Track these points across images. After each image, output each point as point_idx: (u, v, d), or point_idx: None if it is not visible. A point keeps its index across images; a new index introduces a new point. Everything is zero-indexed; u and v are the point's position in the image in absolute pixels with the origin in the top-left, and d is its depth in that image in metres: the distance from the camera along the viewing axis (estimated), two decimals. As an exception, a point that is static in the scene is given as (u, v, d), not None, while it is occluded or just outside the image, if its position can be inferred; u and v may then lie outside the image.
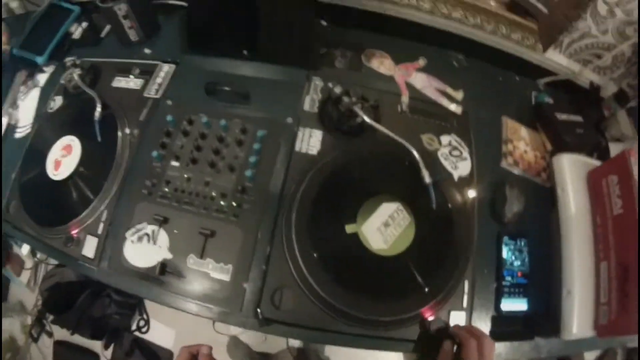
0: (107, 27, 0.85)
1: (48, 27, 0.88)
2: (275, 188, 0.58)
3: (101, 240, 0.61)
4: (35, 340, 1.28)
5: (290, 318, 0.53)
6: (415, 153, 0.56)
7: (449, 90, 0.69)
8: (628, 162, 0.55)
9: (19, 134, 0.82)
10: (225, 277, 0.55)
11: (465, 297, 0.56)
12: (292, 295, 0.53)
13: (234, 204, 0.58)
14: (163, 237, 0.58)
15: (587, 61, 0.74)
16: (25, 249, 0.92)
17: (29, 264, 1.24)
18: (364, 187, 0.57)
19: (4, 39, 0.90)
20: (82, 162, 0.68)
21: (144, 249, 0.59)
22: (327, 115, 0.62)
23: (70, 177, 0.68)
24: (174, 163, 0.62)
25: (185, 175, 0.61)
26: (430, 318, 0.49)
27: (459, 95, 0.69)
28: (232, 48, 0.68)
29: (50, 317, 1.22)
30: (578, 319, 0.54)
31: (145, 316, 1.26)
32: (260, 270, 0.55)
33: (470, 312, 0.56)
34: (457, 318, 0.55)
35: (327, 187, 0.56)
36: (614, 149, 0.71)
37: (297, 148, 0.61)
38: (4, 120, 0.85)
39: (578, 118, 0.71)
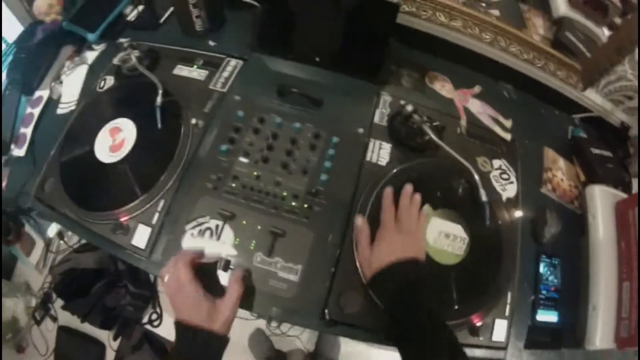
0: (167, 13, 0.84)
1: (102, 5, 0.86)
2: (346, 194, 0.60)
3: (155, 231, 0.60)
4: (38, 323, 1.25)
5: (355, 320, 0.54)
6: (475, 174, 0.61)
7: (500, 118, 0.74)
8: (652, 196, 0.61)
9: (62, 109, 0.79)
10: (294, 278, 0.56)
11: (508, 307, 0.60)
12: (358, 299, 0.55)
13: (306, 205, 0.59)
14: (228, 232, 0.58)
15: (618, 101, 0.82)
16: (52, 230, 0.89)
17: (40, 245, 1.20)
18: (428, 200, 0.60)
19: (57, 7, 0.88)
20: (137, 147, 0.66)
21: (205, 244, 0.58)
22: (396, 130, 0.65)
23: (123, 161, 0.65)
24: (243, 159, 0.62)
25: (255, 173, 0.61)
26: None
27: (508, 123, 0.74)
28: (305, 53, 0.70)
29: (56, 301, 1.19)
30: (601, 331, 0.60)
31: (158, 310, 1.23)
32: (328, 273, 0.56)
33: (511, 320, 0.60)
34: (500, 326, 0.59)
35: (397, 197, 0.58)
36: (636, 185, 0.79)
37: (367, 158, 0.63)
38: (45, 94, 0.83)
39: (609, 153, 0.78)
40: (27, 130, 0.78)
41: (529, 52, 0.76)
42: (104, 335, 1.26)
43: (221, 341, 0.48)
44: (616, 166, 0.77)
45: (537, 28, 0.83)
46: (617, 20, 0.84)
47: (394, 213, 0.55)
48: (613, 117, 0.83)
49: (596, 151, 0.76)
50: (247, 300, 0.56)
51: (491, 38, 0.74)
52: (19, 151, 0.76)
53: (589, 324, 0.61)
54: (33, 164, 0.73)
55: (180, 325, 0.47)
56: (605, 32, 0.85)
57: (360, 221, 0.56)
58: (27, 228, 1.18)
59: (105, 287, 1.14)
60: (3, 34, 0.88)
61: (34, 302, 1.29)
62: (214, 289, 0.51)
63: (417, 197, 0.57)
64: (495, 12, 0.80)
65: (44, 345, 1.29)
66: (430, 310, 0.48)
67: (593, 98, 0.82)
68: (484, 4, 0.79)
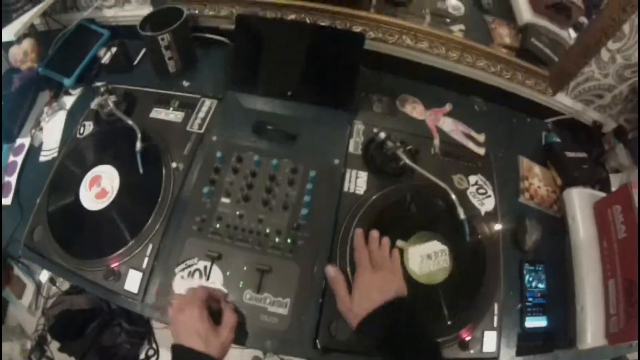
0: (140, 55, 0.86)
1: (76, 49, 0.88)
2: (327, 225, 0.63)
3: (146, 275, 0.62)
4: (36, 365, 1.25)
5: (347, 346, 0.57)
6: (451, 193, 0.63)
7: (473, 134, 0.77)
8: (629, 193, 0.64)
9: (44, 157, 0.81)
10: (284, 311, 0.58)
11: (496, 318, 0.62)
12: (347, 326, 0.55)
13: (289, 240, 0.62)
14: (216, 272, 0.61)
15: (589, 101, 0.85)
16: (44, 276, 0.90)
17: (31, 287, 1.20)
18: (408, 223, 0.63)
19: (32, 55, 0.89)
20: (121, 193, 0.68)
21: (195, 285, 0.60)
22: (371, 158, 0.68)
23: (109, 208, 0.67)
24: (225, 199, 0.65)
25: (237, 212, 0.64)
26: None
27: (481, 137, 0.77)
28: (277, 88, 0.72)
29: (51, 343, 1.18)
30: (591, 330, 0.62)
31: (154, 345, 1.24)
32: (317, 303, 0.59)
33: (500, 330, 0.62)
34: (489, 337, 0.61)
35: (377, 223, 0.62)
36: (614, 179, 0.82)
37: (345, 188, 0.66)
38: (27, 141, 0.84)
39: (583, 154, 0.80)
40: (12, 179, 0.79)
41: (496, 64, 0.79)
42: None
43: None
44: (591, 166, 0.80)
45: (503, 37, 0.86)
46: (582, 20, 0.87)
47: (367, 253, 0.56)
48: (585, 117, 0.86)
49: (571, 154, 0.79)
50: (240, 335, 0.58)
51: (458, 55, 0.77)
52: (5, 200, 0.78)
53: (578, 324, 0.64)
54: (20, 213, 0.74)
55: (177, 348, 0.49)
56: (571, 33, 0.88)
57: (332, 271, 0.56)
58: (16, 271, 1.18)
59: (100, 327, 1.15)
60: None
61: (29, 345, 1.29)
62: (214, 318, 0.54)
63: (385, 240, 0.58)
64: (461, 27, 0.82)
65: (43, 388, 1.29)
66: (423, 344, 0.50)
67: (564, 101, 0.85)
68: (448, 19, 0.81)
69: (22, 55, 0.91)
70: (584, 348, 0.62)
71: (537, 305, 0.67)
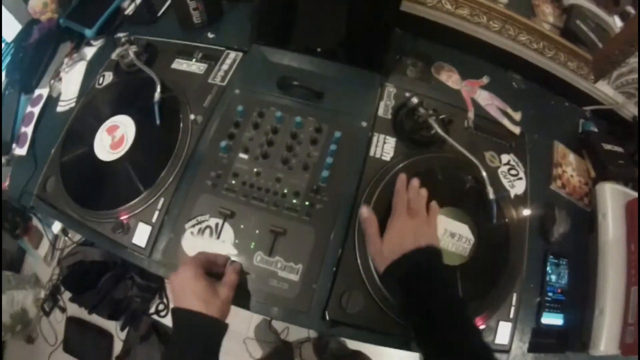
0: (165, 6, 0.80)
1: (98, 0, 0.83)
2: (349, 190, 0.56)
3: (155, 229, 0.57)
4: (47, 314, 1.24)
5: (357, 321, 0.52)
6: (482, 170, 0.57)
7: (509, 110, 0.69)
8: (665, 197, 0.57)
9: (62, 107, 0.77)
10: (294, 277, 0.53)
11: (513, 309, 0.57)
12: (360, 298, 0.52)
13: (307, 203, 0.55)
14: (228, 231, 0.55)
15: (631, 94, 0.77)
16: (56, 227, 0.88)
17: (47, 238, 1.19)
18: (434, 196, 0.56)
19: (52, 6, 0.85)
20: (136, 145, 0.64)
21: (205, 243, 0.56)
22: (401, 123, 0.61)
23: (122, 159, 0.63)
24: (243, 155, 0.59)
25: (255, 169, 0.58)
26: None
27: (517, 116, 0.69)
28: (306, 44, 0.65)
29: (64, 293, 1.18)
30: (607, 336, 0.56)
31: (165, 300, 1.22)
32: (330, 272, 0.53)
33: (515, 323, 0.57)
34: (503, 328, 0.56)
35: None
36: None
37: (371, 153, 0.59)
38: (45, 92, 0.81)
39: (620, 149, 0.73)
40: (28, 130, 0.76)
41: (539, 41, 0.71)
42: (111, 326, 1.26)
43: (219, 325, 0.46)
44: (627, 162, 0.72)
45: (547, 16, 0.78)
46: (629, 9, 0.79)
47: (406, 198, 0.52)
48: (625, 111, 0.78)
49: (607, 147, 0.72)
50: (247, 299, 0.54)
51: (499, 26, 0.69)
52: (20, 150, 0.75)
53: (594, 328, 0.58)
54: (35, 163, 0.71)
55: (177, 311, 0.46)
56: (616, 21, 0.80)
57: (365, 211, 0.52)
58: (35, 221, 1.17)
59: (112, 279, 1.13)
60: (2, 33, 0.85)
61: (42, 294, 1.29)
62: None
63: (424, 191, 0.54)
64: (504, 0, 0.74)
65: (53, 336, 1.29)
66: (452, 298, 0.45)
67: (605, 90, 0.77)
68: (492, -9, 0.74)
69: (41, 6, 0.87)
70: (595, 354, 0.57)
71: (556, 302, 0.61)
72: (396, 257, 0.45)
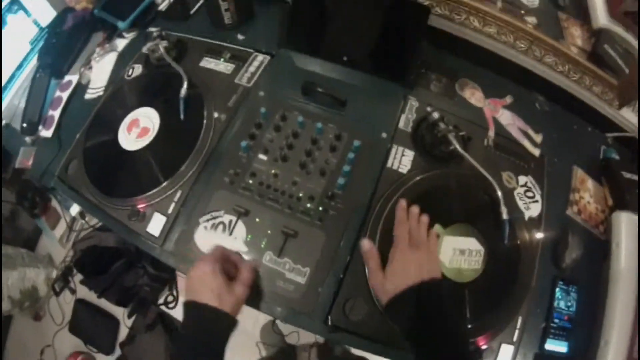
0: (198, 4, 0.82)
1: (134, -7, 0.85)
2: (363, 199, 0.57)
3: (170, 220, 0.59)
4: (57, 294, 1.27)
5: (358, 328, 0.52)
6: (498, 190, 0.57)
7: (530, 132, 0.68)
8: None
9: (90, 95, 0.79)
10: (301, 280, 0.53)
11: (517, 332, 0.56)
12: (364, 307, 0.52)
13: (321, 208, 0.56)
14: (240, 229, 0.56)
15: (654, 123, 0.76)
16: (74, 210, 0.90)
17: (64, 220, 1.22)
18: (447, 213, 0.57)
19: None
20: (159, 137, 0.65)
21: (217, 238, 0.57)
22: (421, 137, 0.61)
23: (145, 150, 0.65)
24: (262, 156, 0.60)
25: (273, 171, 0.59)
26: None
27: (538, 138, 0.69)
28: (333, 51, 0.66)
29: (76, 275, 1.21)
30: None
31: (175, 292, 1.23)
32: (336, 278, 0.53)
33: (517, 346, 0.56)
34: (505, 351, 0.56)
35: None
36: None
37: (389, 164, 0.60)
38: (75, 79, 0.83)
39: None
40: (55, 113, 0.79)
41: (565, 64, 0.70)
42: (119, 312, 1.28)
43: (229, 321, 0.46)
44: (644, 192, 0.71)
45: (575, 38, 0.77)
46: (660, 36, 0.77)
47: (407, 228, 0.51)
48: (648, 139, 0.77)
49: (627, 175, 0.70)
50: (253, 297, 0.54)
51: (526, 47, 0.69)
52: (46, 132, 0.77)
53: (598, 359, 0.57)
54: (59, 146, 0.73)
55: (190, 304, 0.46)
56: (645, 48, 0.79)
57: (366, 244, 0.51)
58: (54, 203, 1.20)
59: (124, 266, 1.15)
60: (37, 18, 0.88)
61: (54, 274, 1.32)
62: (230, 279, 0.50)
63: (425, 218, 0.53)
64: (533, 20, 0.74)
65: (60, 316, 1.32)
66: (455, 333, 0.45)
67: (629, 117, 0.75)
68: (522, 11, 0.73)
69: None
70: None
71: (562, 329, 0.60)
72: (399, 291, 0.45)
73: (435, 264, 0.49)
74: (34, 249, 1.38)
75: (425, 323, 0.44)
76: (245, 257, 0.56)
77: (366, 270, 0.52)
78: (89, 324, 1.26)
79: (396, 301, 0.45)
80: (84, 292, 1.24)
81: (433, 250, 0.51)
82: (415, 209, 0.53)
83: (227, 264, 0.52)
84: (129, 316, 1.22)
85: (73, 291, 1.30)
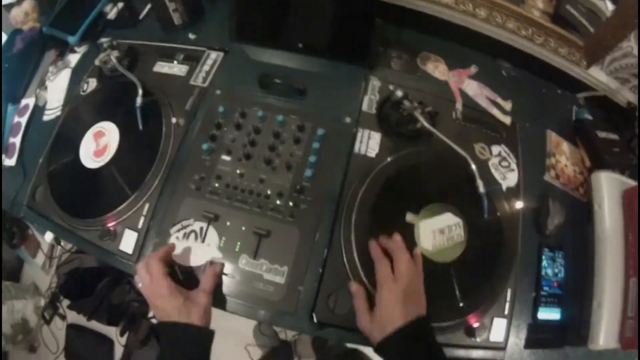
0: (146, 9, 0.78)
1: (81, 6, 0.81)
2: (333, 189, 0.55)
3: (141, 235, 0.57)
4: (48, 322, 1.24)
5: (345, 322, 0.50)
6: (472, 163, 0.55)
7: (499, 100, 0.67)
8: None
9: (48, 116, 0.76)
10: (280, 280, 0.51)
11: (507, 305, 0.55)
12: (348, 299, 0.50)
13: (291, 203, 0.54)
14: (212, 235, 0.54)
15: (625, 80, 0.74)
16: (48, 237, 0.87)
17: (45, 246, 1.19)
18: (422, 192, 0.55)
19: (33, 15, 0.84)
20: (120, 151, 0.63)
21: (190, 247, 0.55)
22: (386, 118, 0.59)
23: (107, 166, 0.62)
24: (225, 157, 0.58)
25: (238, 171, 0.56)
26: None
27: (508, 105, 0.67)
28: (287, 40, 0.63)
29: (64, 300, 1.17)
30: (606, 330, 0.55)
31: None
32: (316, 273, 0.51)
33: (510, 319, 0.55)
34: (498, 325, 0.55)
35: (388, 191, 0.53)
36: (644, 166, 0.72)
37: (356, 149, 0.57)
38: (31, 102, 0.80)
39: (615, 136, 0.70)
40: (16, 140, 0.75)
41: (528, 28, 0.68)
42: (112, 332, 1.25)
43: (205, 333, 0.46)
44: (623, 150, 0.70)
45: (536, 1, 0.75)
46: (620, -7, 0.76)
47: (387, 263, 0.48)
48: (619, 97, 0.75)
49: (602, 134, 0.69)
50: (233, 303, 0.53)
51: (486, 14, 0.66)
52: (9, 161, 0.74)
53: (592, 322, 0.56)
54: (24, 173, 0.71)
55: (162, 325, 0.47)
56: (608, 5, 0.77)
57: (354, 286, 0.50)
58: (32, 230, 1.16)
59: (109, 285, 1.13)
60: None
61: (42, 302, 1.29)
62: (191, 287, 0.50)
63: (397, 236, 0.50)
64: (491, -13, 0.72)
65: (55, 344, 1.29)
66: None
67: (598, 76, 0.74)
68: (478, -21, 0.71)
69: (23, 16, 0.86)
70: (594, 349, 0.55)
71: (552, 296, 0.59)
72: (386, 335, 0.44)
73: (419, 298, 0.47)
74: (18, 279, 1.35)
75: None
76: (222, 261, 0.54)
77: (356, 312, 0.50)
78: (84, 348, 1.24)
79: (384, 344, 0.44)
80: (75, 317, 1.21)
81: (414, 279, 0.48)
82: (382, 238, 0.51)
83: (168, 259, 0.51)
84: (122, 334, 1.20)
85: (63, 317, 1.28)
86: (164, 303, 0.46)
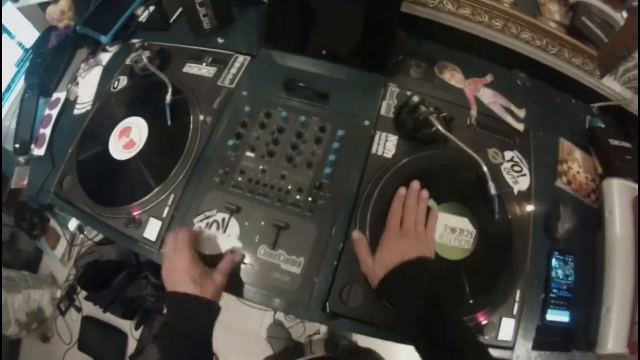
0: (177, 13, 0.84)
1: (113, 7, 0.87)
2: (350, 187, 0.59)
3: (165, 224, 0.61)
4: (63, 313, 1.29)
5: (357, 314, 0.53)
6: (484, 166, 0.58)
7: (513, 108, 0.70)
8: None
9: (78, 110, 0.81)
10: (296, 270, 0.55)
11: (516, 306, 0.57)
12: (360, 292, 0.54)
13: (310, 199, 0.58)
14: (234, 225, 0.58)
15: (638, 89, 0.77)
16: (72, 225, 0.92)
17: (64, 238, 1.24)
18: (435, 193, 0.57)
19: (69, 13, 0.90)
20: (148, 144, 0.67)
21: (212, 235, 0.58)
22: (403, 122, 0.63)
23: (136, 158, 0.67)
24: (249, 154, 0.62)
25: (261, 167, 0.61)
26: None
27: (521, 113, 0.70)
28: (312, 46, 0.68)
29: (80, 292, 1.22)
30: (614, 335, 0.56)
31: None
32: (331, 266, 0.55)
33: (519, 319, 0.58)
34: (506, 325, 0.57)
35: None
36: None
37: (373, 150, 0.62)
38: (62, 96, 0.86)
39: (628, 145, 0.73)
40: (46, 131, 0.81)
41: (542, 38, 0.72)
42: (126, 325, 1.29)
43: (213, 307, 0.48)
44: (635, 158, 0.72)
45: (553, 14, 0.79)
46: (636, 4, 0.79)
47: (400, 216, 0.53)
48: (632, 106, 0.78)
49: (614, 142, 0.72)
50: (250, 291, 0.56)
51: (502, 25, 0.71)
52: (39, 151, 0.79)
53: (601, 327, 0.58)
54: (52, 163, 0.76)
55: (172, 294, 0.48)
56: (624, 17, 0.80)
57: (355, 234, 0.54)
58: (52, 223, 1.22)
59: (127, 279, 1.17)
60: (20, 40, 0.91)
61: (59, 294, 1.34)
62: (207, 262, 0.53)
63: (424, 193, 0.55)
64: (509, -1, 0.76)
65: (68, 335, 1.34)
66: (445, 308, 0.46)
67: (611, 86, 0.77)
68: (497, -10, 0.75)
69: (58, 13, 0.92)
70: (602, 353, 0.57)
71: (561, 299, 0.61)
72: (388, 271, 0.47)
73: (426, 246, 0.50)
74: (36, 270, 1.40)
75: (411, 299, 0.45)
76: (243, 252, 0.58)
77: (359, 258, 0.53)
78: (98, 341, 1.28)
79: (385, 283, 0.47)
80: (90, 309, 1.26)
81: (423, 238, 0.51)
82: (415, 184, 0.55)
83: (199, 242, 0.55)
84: (136, 328, 1.23)
85: (79, 309, 1.32)
86: (181, 270, 0.48)
